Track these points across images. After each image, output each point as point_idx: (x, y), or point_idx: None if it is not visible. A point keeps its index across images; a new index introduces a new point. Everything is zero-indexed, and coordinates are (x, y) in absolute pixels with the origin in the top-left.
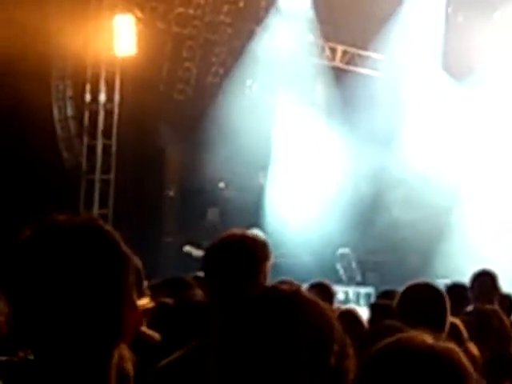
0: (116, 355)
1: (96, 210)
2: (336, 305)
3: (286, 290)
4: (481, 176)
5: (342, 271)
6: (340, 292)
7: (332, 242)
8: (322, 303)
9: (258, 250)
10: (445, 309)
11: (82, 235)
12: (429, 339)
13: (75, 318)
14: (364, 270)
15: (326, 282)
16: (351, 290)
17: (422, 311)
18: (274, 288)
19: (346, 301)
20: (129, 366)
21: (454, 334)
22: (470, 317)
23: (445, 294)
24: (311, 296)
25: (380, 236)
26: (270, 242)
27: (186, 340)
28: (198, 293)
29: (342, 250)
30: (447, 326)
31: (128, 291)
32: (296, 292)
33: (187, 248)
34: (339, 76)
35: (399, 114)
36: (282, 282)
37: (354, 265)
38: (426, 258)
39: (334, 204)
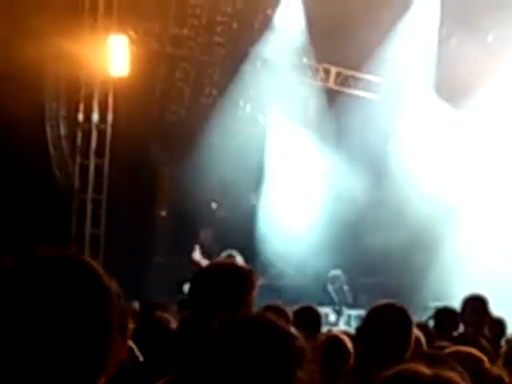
0: None
1: (88, 230)
2: (326, 328)
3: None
4: (473, 197)
5: (333, 293)
6: (331, 314)
7: (324, 263)
8: (287, 329)
9: (244, 280)
10: (409, 330)
11: (65, 269)
12: (428, 370)
13: (58, 353)
14: (356, 292)
15: (312, 305)
16: (343, 313)
17: (387, 333)
18: (239, 319)
19: (337, 323)
20: None
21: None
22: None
23: (408, 314)
24: (275, 321)
25: (372, 258)
26: (262, 262)
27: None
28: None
29: (333, 272)
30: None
31: (111, 325)
32: (262, 319)
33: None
34: (332, 97)
35: (392, 136)
36: (269, 307)
37: (345, 287)
38: (418, 279)
39: (326, 225)
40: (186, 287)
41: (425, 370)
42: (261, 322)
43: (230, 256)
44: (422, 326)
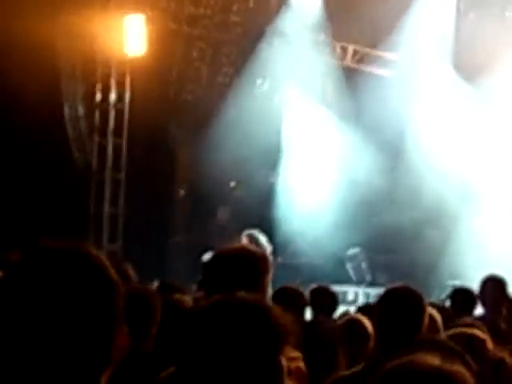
0: (104, 380)
1: (106, 209)
2: (345, 307)
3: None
4: (491, 176)
5: (351, 271)
6: (350, 292)
7: (342, 241)
8: (275, 310)
9: (258, 264)
10: (421, 314)
11: (71, 261)
12: (436, 361)
13: (64, 345)
14: (374, 271)
15: (328, 285)
16: (361, 291)
17: (400, 315)
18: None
19: (356, 301)
20: None
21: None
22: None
23: (421, 297)
24: (268, 304)
25: (390, 236)
26: (279, 241)
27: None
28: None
29: (351, 251)
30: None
31: (116, 316)
32: (256, 301)
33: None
34: (350, 75)
35: (409, 114)
36: (285, 288)
37: (363, 265)
38: (436, 257)
39: (345, 203)
40: (206, 257)
41: (430, 362)
42: (240, 301)
43: (251, 235)
44: (440, 307)
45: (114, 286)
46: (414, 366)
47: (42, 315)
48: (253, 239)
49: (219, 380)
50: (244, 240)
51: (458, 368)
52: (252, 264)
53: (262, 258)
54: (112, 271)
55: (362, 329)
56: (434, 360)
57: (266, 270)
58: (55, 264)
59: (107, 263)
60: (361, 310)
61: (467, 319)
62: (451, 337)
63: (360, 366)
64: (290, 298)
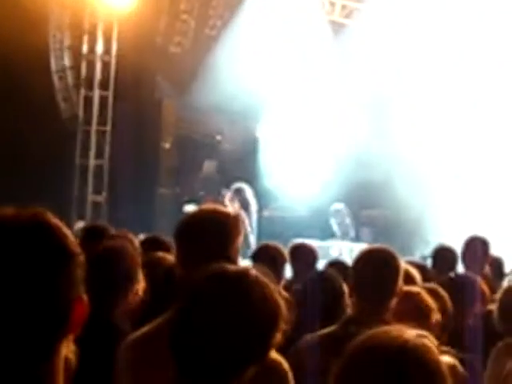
0: (64, 349)
1: (92, 161)
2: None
3: (235, 270)
4: (477, 141)
5: (335, 226)
6: (334, 247)
7: (327, 196)
8: (268, 283)
9: (229, 225)
10: (394, 277)
11: (27, 230)
12: (404, 334)
13: (19, 314)
14: (358, 226)
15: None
16: (345, 246)
17: (374, 278)
18: (224, 267)
19: (339, 257)
20: (71, 357)
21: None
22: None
23: (396, 260)
24: (259, 276)
25: (374, 191)
26: (265, 195)
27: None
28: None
29: (335, 206)
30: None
31: (74, 285)
32: (244, 272)
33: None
34: (337, 30)
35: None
36: (267, 246)
37: (347, 220)
38: (421, 214)
39: (330, 158)
40: (187, 208)
41: (400, 334)
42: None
43: (238, 189)
44: (420, 266)
45: (71, 254)
46: (375, 342)
47: None
48: (239, 193)
49: None
50: (229, 193)
51: (425, 342)
52: (222, 226)
53: (235, 219)
54: (70, 240)
55: (333, 283)
56: (401, 333)
57: (237, 232)
58: (11, 233)
59: (65, 232)
60: (332, 265)
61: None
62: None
63: (333, 328)
64: (270, 256)
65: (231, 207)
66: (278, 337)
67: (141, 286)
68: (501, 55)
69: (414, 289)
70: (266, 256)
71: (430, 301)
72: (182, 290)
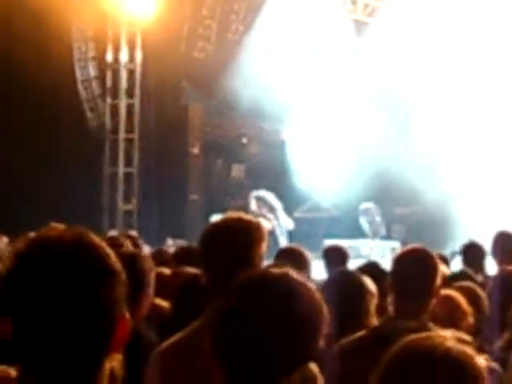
0: (107, 366)
1: (121, 169)
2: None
3: (276, 273)
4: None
5: (365, 225)
6: (364, 247)
7: (356, 195)
8: (309, 285)
9: (252, 233)
10: (432, 277)
11: (70, 251)
12: (446, 341)
13: (64, 333)
14: (389, 224)
15: (340, 245)
16: (375, 245)
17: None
18: (265, 271)
19: (370, 256)
20: (116, 366)
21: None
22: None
23: (434, 259)
24: (300, 278)
25: (404, 189)
26: (294, 196)
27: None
28: None
29: (365, 204)
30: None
31: (117, 304)
32: (285, 275)
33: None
34: (360, 28)
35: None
36: (290, 248)
37: (377, 219)
38: (450, 210)
39: (357, 157)
40: (214, 218)
41: (443, 340)
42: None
43: (258, 197)
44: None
45: (114, 272)
46: (418, 348)
47: (42, 303)
48: (260, 200)
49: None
50: (253, 202)
51: (467, 350)
52: (246, 234)
53: (258, 226)
54: (113, 259)
55: (359, 285)
56: (443, 340)
57: (261, 238)
58: (57, 253)
59: (107, 251)
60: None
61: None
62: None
63: (364, 332)
64: (292, 258)
65: (259, 212)
66: (321, 340)
67: (151, 290)
68: None
69: (451, 292)
70: (289, 257)
71: (465, 304)
72: (214, 300)
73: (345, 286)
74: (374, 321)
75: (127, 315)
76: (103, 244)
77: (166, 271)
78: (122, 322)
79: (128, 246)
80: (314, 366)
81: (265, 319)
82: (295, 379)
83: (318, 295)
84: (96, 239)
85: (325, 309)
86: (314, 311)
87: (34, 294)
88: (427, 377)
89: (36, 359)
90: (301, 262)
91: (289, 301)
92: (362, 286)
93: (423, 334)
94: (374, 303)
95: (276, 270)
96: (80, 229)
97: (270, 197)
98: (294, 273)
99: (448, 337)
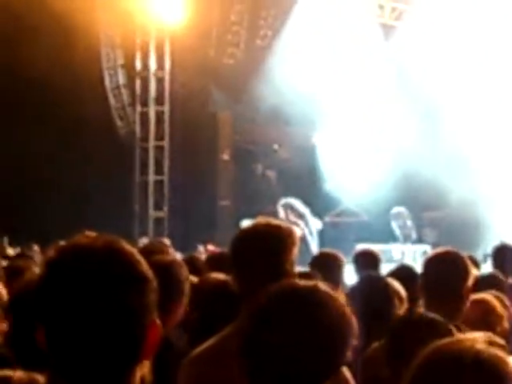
0: (138, 373)
1: (152, 177)
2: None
3: (305, 286)
4: None
5: (397, 230)
6: (396, 251)
7: (387, 200)
8: (338, 298)
9: (283, 239)
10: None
11: (102, 258)
12: (476, 344)
13: (95, 340)
14: (420, 228)
15: (372, 249)
16: (407, 249)
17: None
18: (294, 283)
19: (402, 259)
20: (145, 373)
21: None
22: None
23: (465, 261)
24: (329, 291)
25: (435, 193)
26: (325, 200)
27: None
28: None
29: (396, 208)
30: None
31: (148, 311)
32: (315, 288)
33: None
34: (388, 32)
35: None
36: (324, 253)
37: (409, 223)
38: (482, 212)
39: (387, 162)
40: (244, 223)
41: (473, 343)
42: (302, 292)
43: (286, 204)
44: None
45: (145, 279)
46: (448, 351)
47: (74, 310)
48: (288, 207)
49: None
50: (281, 210)
51: (498, 353)
52: (276, 240)
53: (289, 232)
54: (144, 266)
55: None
56: (473, 343)
57: (292, 244)
58: (87, 262)
59: (138, 258)
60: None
61: None
62: None
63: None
64: (326, 262)
65: (287, 220)
66: (349, 352)
67: (186, 299)
68: None
69: (485, 296)
70: (323, 263)
71: (499, 308)
72: (246, 307)
73: (370, 290)
74: None
75: (158, 322)
76: (134, 251)
77: (194, 279)
78: (153, 328)
79: (169, 252)
80: (346, 371)
81: (294, 329)
82: None
83: (346, 307)
84: (127, 246)
85: (353, 321)
86: (342, 322)
87: (65, 302)
88: (457, 381)
89: (67, 366)
90: (335, 267)
91: (318, 311)
92: (387, 290)
93: (453, 338)
94: (403, 307)
95: (306, 282)
96: (111, 236)
97: (298, 203)
98: (323, 285)
99: (479, 339)
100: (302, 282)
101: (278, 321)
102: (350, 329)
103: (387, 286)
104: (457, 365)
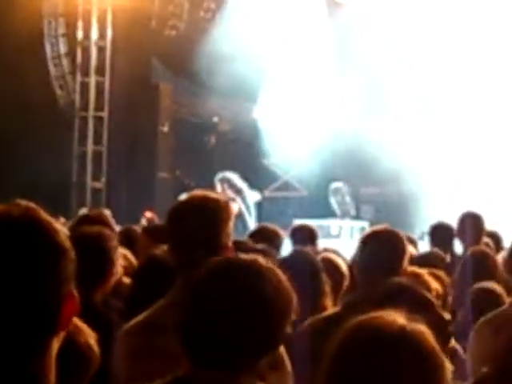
0: (56, 346)
1: (90, 147)
2: (329, 240)
3: (245, 259)
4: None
5: (335, 205)
6: (334, 227)
7: (326, 175)
8: (278, 272)
9: (220, 211)
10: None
11: (18, 227)
12: (400, 320)
13: (9, 310)
14: (359, 204)
15: (309, 224)
16: (345, 225)
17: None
18: (235, 257)
19: (339, 235)
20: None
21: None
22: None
23: (402, 240)
24: (269, 265)
25: (374, 169)
26: (265, 175)
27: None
28: None
29: (335, 184)
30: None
31: (65, 281)
32: (254, 261)
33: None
34: (333, 9)
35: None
36: (264, 227)
37: (347, 199)
38: (419, 189)
39: (328, 137)
40: (183, 196)
41: (397, 319)
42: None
43: (223, 179)
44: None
45: (62, 250)
46: (373, 330)
47: None
48: (225, 181)
49: None
50: (218, 185)
51: (422, 329)
52: (212, 212)
53: (225, 205)
54: (61, 235)
55: (335, 268)
56: (397, 319)
57: (228, 217)
58: (1, 230)
59: (56, 227)
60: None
61: None
62: None
63: (338, 309)
64: (266, 237)
65: (224, 195)
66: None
67: (119, 268)
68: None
69: (417, 270)
70: (263, 237)
71: (432, 282)
72: (181, 278)
73: (297, 265)
74: (330, 303)
75: (75, 293)
76: (52, 220)
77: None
78: (70, 299)
79: (108, 223)
80: (281, 349)
81: (232, 300)
82: (263, 363)
83: (286, 282)
84: (44, 215)
85: (293, 295)
86: (282, 297)
87: None
88: (380, 356)
89: None
90: (274, 241)
91: (257, 283)
92: (314, 265)
93: (376, 314)
94: (345, 282)
95: (246, 257)
96: (28, 204)
97: (235, 178)
98: (263, 260)
99: (400, 315)
100: (242, 256)
101: (217, 292)
102: (290, 303)
103: (315, 260)
104: (379, 340)
